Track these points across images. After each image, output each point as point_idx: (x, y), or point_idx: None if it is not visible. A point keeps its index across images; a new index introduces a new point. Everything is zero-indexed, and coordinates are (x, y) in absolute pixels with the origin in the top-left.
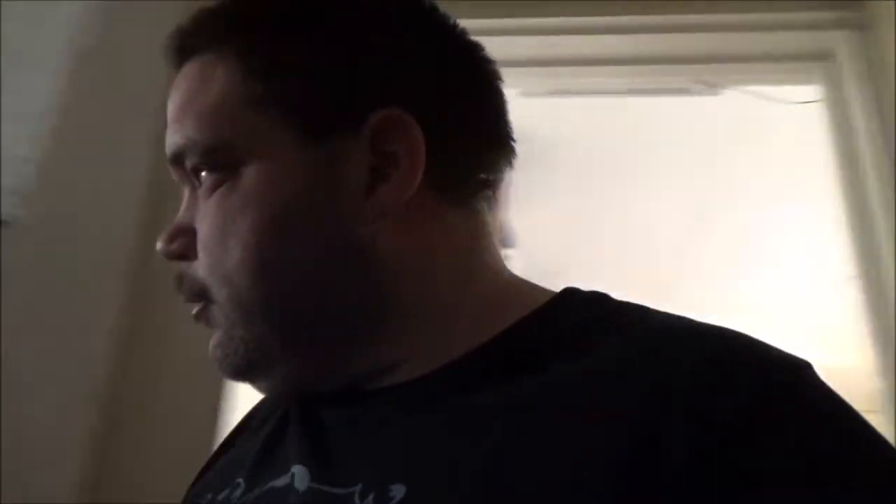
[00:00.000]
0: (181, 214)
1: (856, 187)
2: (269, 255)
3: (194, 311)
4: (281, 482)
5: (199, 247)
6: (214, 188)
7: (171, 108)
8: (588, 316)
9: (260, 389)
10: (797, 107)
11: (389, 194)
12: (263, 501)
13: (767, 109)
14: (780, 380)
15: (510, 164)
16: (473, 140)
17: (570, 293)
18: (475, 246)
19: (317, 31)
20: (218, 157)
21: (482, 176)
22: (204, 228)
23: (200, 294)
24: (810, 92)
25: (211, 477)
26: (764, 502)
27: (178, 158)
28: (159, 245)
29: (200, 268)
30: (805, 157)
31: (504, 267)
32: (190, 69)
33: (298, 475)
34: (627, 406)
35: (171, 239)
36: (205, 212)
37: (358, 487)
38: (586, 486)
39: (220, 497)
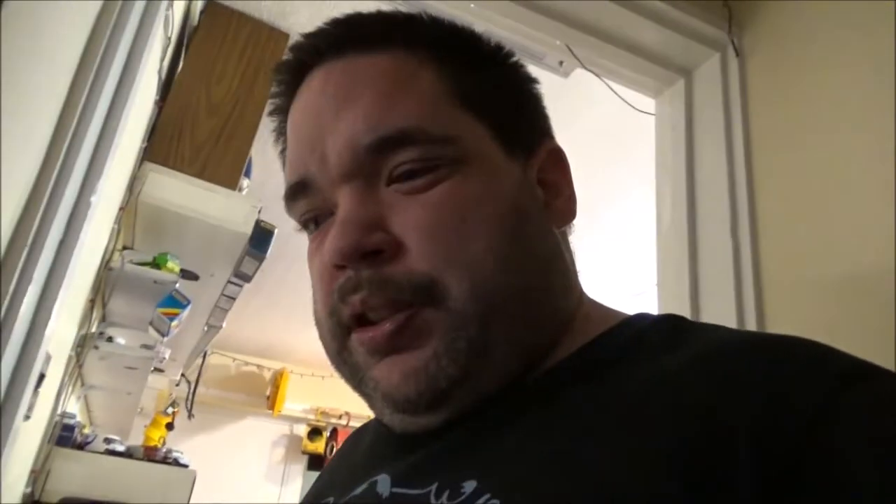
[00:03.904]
0: (355, 209)
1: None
2: (514, 246)
3: (392, 325)
4: (359, 490)
5: (415, 238)
6: (439, 181)
7: (362, 92)
8: (665, 331)
9: (417, 423)
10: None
11: (561, 210)
12: None
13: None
14: (850, 387)
15: None
16: None
17: (643, 315)
18: (576, 271)
19: (505, 65)
20: (451, 150)
21: None
22: (429, 218)
23: (420, 292)
24: (650, 104)
25: (308, 495)
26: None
27: (392, 143)
28: (343, 242)
29: (420, 260)
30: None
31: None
32: (373, 61)
33: (381, 482)
34: (688, 419)
35: (367, 232)
36: (421, 203)
37: (434, 486)
38: (651, 485)
39: None
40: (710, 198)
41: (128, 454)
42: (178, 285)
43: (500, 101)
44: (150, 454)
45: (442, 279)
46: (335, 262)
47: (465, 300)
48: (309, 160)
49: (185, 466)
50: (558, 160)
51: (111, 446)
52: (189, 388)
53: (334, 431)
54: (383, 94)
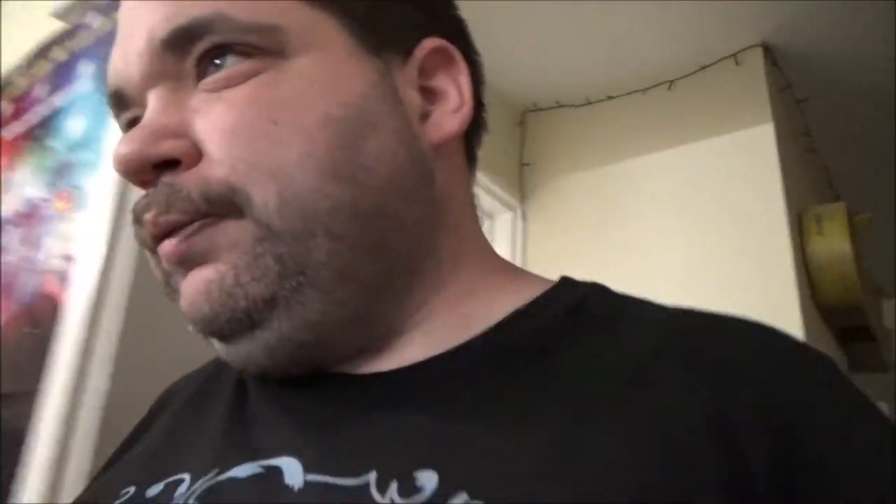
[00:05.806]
0: (156, 114)
1: None
2: (344, 155)
3: (186, 232)
4: (233, 473)
5: (215, 140)
6: (247, 76)
7: None
8: (603, 301)
9: (239, 353)
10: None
11: (440, 123)
12: (230, 495)
13: None
14: (830, 368)
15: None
16: (479, 105)
17: (572, 281)
18: (472, 214)
19: None
20: (264, 39)
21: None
22: (227, 118)
23: (216, 202)
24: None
25: (130, 466)
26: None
27: (188, 35)
28: (126, 148)
29: (217, 166)
30: None
31: None
32: None
33: (288, 469)
34: (689, 393)
35: (158, 138)
36: (227, 102)
37: (371, 476)
38: (669, 474)
39: (151, 493)
40: None
41: None
42: None
43: None
44: None
45: (243, 186)
46: (118, 172)
47: (271, 212)
48: (119, 65)
49: None
50: (447, 61)
51: None
52: None
53: None
54: None
